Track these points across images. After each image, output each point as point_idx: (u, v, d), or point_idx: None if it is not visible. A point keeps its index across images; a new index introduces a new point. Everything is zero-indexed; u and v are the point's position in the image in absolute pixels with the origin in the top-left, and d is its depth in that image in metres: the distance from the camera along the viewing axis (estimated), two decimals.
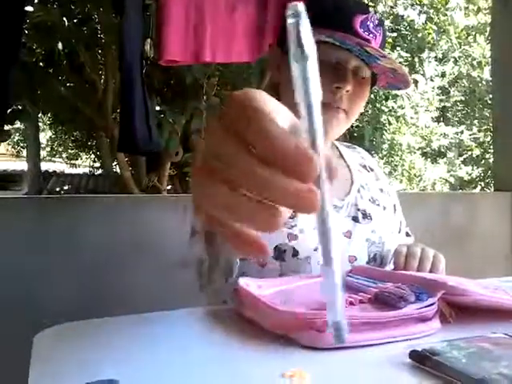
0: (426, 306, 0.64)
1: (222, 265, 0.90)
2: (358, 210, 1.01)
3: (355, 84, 0.92)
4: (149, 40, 2.14)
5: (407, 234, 1.21)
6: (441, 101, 13.19)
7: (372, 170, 1.14)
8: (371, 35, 0.90)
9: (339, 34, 0.86)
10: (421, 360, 0.52)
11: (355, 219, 1.00)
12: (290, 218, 0.90)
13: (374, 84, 1.00)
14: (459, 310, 0.68)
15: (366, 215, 1.01)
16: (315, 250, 0.91)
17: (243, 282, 0.73)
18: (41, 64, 4.87)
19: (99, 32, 5.14)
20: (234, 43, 2.00)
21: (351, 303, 0.66)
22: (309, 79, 0.28)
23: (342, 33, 0.87)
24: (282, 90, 0.98)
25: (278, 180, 0.27)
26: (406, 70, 0.96)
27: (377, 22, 0.91)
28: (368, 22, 0.90)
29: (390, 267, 1.00)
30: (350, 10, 0.89)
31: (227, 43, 1.99)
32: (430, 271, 0.87)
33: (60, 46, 4.38)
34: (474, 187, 13.09)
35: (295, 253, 0.90)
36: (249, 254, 0.34)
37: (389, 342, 0.60)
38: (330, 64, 0.90)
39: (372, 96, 9.41)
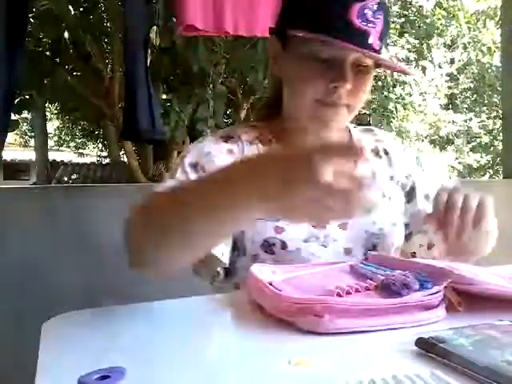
0: (430, 294, 0.64)
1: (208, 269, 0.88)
2: None
3: (356, 76, 0.87)
4: (155, 27, 2.13)
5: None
6: (449, 88, 13.07)
7: (387, 153, 1.06)
8: (370, 24, 0.84)
9: (336, 41, 0.82)
10: (427, 347, 0.52)
11: None
12: None
13: (379, 66, 0.95)
14: (467, 299, 0.68)
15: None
16: (304, 241, 0.89)
17: (257, 267, 0.73)
18: (47, 53, 4.87)
19: (106, 20, 5.13)
20: (258, 16, 1.92)
21: (357, 290, 0.66)
22: None
23: (339, 32, 0.82)
24: (283, 83, 0.96)
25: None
26: (403, 65, 0.94)
27: (376, 6, 0.84)
28: (366, 11, 0.83)
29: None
30: (345, 0, 0.83)
31: (250, 15, 1.90)
32: (474, 225, 0.80)
33: (66, 34, 4.37)
34: (483, 175, 13.01)
35: (284, 245, 0.88)
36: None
37: (393, 329, 0.60)
38: (327, 60, 0.85)
39: (379, 83, 9.34)
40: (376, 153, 1.06)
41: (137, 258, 0.73)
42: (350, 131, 1.07)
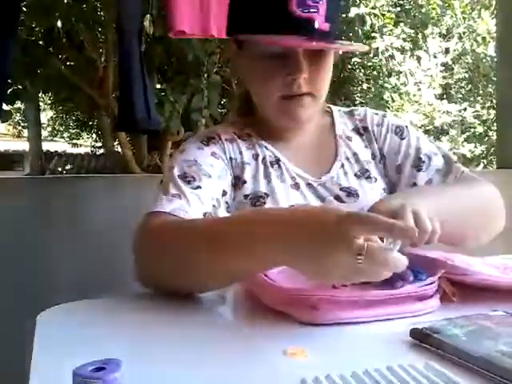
0: (425, 285, 0.65)
1: None
2: (341, 188, 0.95)
3: (312, 62, 0.87)
4: (148, 16, 2.11)
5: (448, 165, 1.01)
6: (444, 78, 13.05)
7: (366, 130, 1.04)
8: (312, 9, 0.83)
9: (280, 37, 0.83)
10: (421, 338, 0.52)
11: (338, 198, 0.94)
12: (260, 205, 0.90)
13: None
14: (461, 289, 0.68)
15: (351, 193, 0.95)
16: None
17: None
18: (40, 42, 4.82)
19: (99, 9, 5.08)
20: None
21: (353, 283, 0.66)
22: None
23: (282, 26, 0.82)
24: (246, 83, 0.97)
25: None
26: (356, 45, 0.95)
27: None
28: None
29: None
30: None
31: None
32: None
33: (59, 23, 4.32)
34: (477, 165, 13.05)
35: None
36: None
37: (388, 320, 0.60)
38: (279, 54, 0.86)
39: (375, 73, 9.32)
40: (356, 131, 1.05)
41: (151, 281, 0.76)
42: (332, 115, 1.06)
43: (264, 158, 0.96)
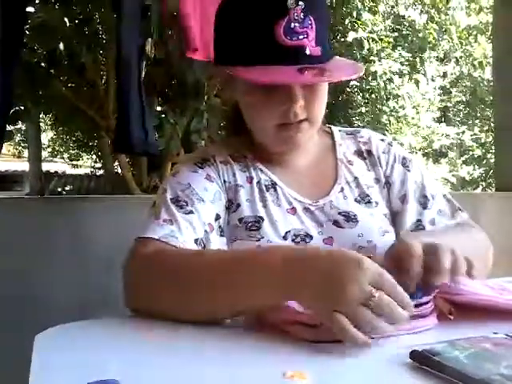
0: (422, 304, 0.65)
1: None
2: (340, 213, 0.92)
3: (307, 90, 0.85)
4: (150, 40, 2.14)
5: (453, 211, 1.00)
6: (442, 101, 13.17)
7: (370, 155, 1.01)
8: (301, 36, 0.80)
9: (273, 75, 0.80)
10: (421, 360, 0.52)
11: (336, 223, 0.91)
12: (255, 229, 0.88)
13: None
14: (458, 308, 0.68)
15: (349, 218, 0.92)
16: None
17: None
18: (42, 64, 4.87)
19: (101, 32, 5.14)
20: None
21: None
22: None
23: (271, 58, 0.80)
24: (241, 108, 0.94)
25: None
26: (351, 62, 0.91)
27: (302, 14, 0.79)
28: (292, 25, 0.79)
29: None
30: (267, 19, 0.79)
31: None
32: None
33: (61, 46, 4.37)
34: (476, 187, 13.07)
35: None
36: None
37: (388, 336, 0.60)
38: (272, 86, 0.83)
39: (373, 96, 9.40)
40: (359, 154, 1.02)
41: (142, 305, 0.75)
42: (332, 136, 1.04)
43: (259, 182, 0.94)
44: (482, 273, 0.92)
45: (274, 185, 0.94)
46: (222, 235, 0.89)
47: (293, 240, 0.88)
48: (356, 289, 0.56)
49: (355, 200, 0.95)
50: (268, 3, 0.81)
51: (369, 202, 0.96)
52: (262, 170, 0.96)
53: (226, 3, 0.88)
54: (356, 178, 0.98)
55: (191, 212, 0.84)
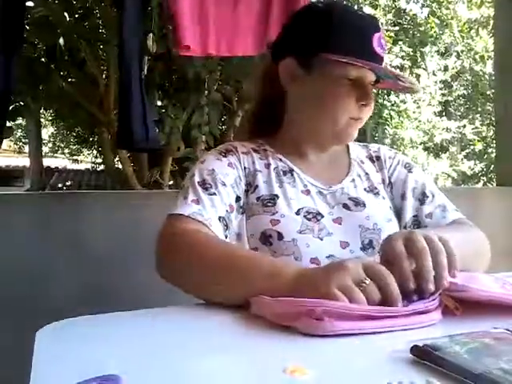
0: (427, 302, 0.65)
1: None
2: (349, 198, 1.03)
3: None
4: (151, 35, 2.14)
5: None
6: (443, 95, 13.14)
7: (378, 159, 1.14)
8: (382, 50, 0.97)
9: (365, 60, 0.94)
10: (422, 355, 0.52)
11: (346, 206, 1.02)
12: (270, 205, 0.98)
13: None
14: (463, 304, 0.69)
15: (358, 203, 1.03)
16: (299, 232, 0.94)
17: None
18: (42, 59, 4.86)
19: (101, 27, 5.13)
20: (239, 37, 2.00)
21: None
22: None
23: (366, 54, 0.94)
24: (296, 102, 1.05)
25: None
26: (417, 84, 1.04)
27: (384, 36, 0.99)
28: (382, 40, 0.97)
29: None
30: (368, 29, 0.96)
31: (231, 37, 1.99)
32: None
33: (61, 41, 4.36)
34: (477, 182, 13.06)
35: (280, 236, 0.94)
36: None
37: (390, 331, 0.61)
38: (352, 81, 0.97)
39: (374, 91, 9.40)
40: (370, 158, 1.15)
41: (168, 275, 0.86)
42: (347, 145, 1.16)
43: (276, 168, 1.05)
44: (480, 267, 0.98)
45: (291, 171, 1.05)
46: (242, 214, 1.00)
47: (305, 216, 0.97)
48: (350, 270, 0.65)
49: (364, 190, 1.07)
50: (370, 18, 1.01)
51: (377, 193, 1.07)
52: (281, 160, 1.07)
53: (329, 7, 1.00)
54: (367, 174, 1.10)
55: (214, 194, 0.95)
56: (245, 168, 1.03)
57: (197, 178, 0.98)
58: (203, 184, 0.96)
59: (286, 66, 1.03)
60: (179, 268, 0.84)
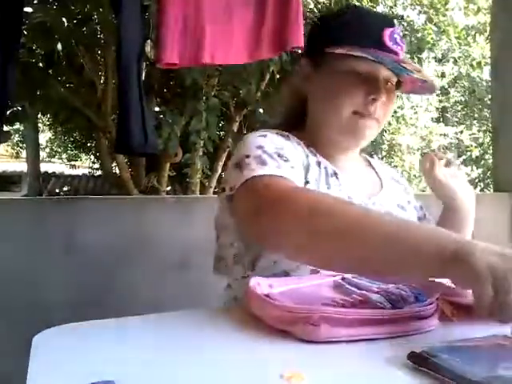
0: (424, 306, 0.65)
1: (249, 256, 0.93)
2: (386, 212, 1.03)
3: (386, 91, 0.96)
4: (149, 41, 2.14)
5: None
6: (440, 101, 13.18)
7: (401, 183, 1.19)
8: (399, 47, 0.96)
9: (373, 50, 0.92)
10: (419, 361, 0.52)
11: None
12: None
13: (398, 88, 1.04)
14: (460, 310, 0.69)
15: (397, 206, 1.08)
16: None
17: (255, 280, 0.74)
18: (40, 65, 4.86)
19: (99, 32, 5.14)
20: (233, 45, 2.00)
21: (352, 304, 0.67)
22: None
23: (375, 48, 0.92)
24: (311, 101, 1.04)
25: None
26: (434, 78, 1.01)
27: (401, 34, 0.98)
28: (395, 35, 0.96)
29: None
30: (379, 25, 0.96)
31: (226, 45, 1.99)
32: None
33: (59, 46, 4.37)
34: (474, 188, 13.08)
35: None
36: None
37: (388, 338, 0.60)
38: (363, 75, 0.95)
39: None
40: (394, 179, 1.17)
41: (267, 239, 0.81)
42: (368, 160, 1.16)
43: (326, 168, 1.00)
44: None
45: (335, 174, 1.00)
46: None
47: None
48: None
49: (397, 205, 1.09)
50: (382, 15, 1.05)
51: (405, 210, 1.10)
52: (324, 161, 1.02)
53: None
54: (396, 192, 1.12)
55: (292, 167, 0.89)
56: (303, 158, 0.97)
57: (269, 149, 0.89)
58: (279, 155, 0.89)
59: (299, 67, 1.04)
60: (284, 229, 0.76)
